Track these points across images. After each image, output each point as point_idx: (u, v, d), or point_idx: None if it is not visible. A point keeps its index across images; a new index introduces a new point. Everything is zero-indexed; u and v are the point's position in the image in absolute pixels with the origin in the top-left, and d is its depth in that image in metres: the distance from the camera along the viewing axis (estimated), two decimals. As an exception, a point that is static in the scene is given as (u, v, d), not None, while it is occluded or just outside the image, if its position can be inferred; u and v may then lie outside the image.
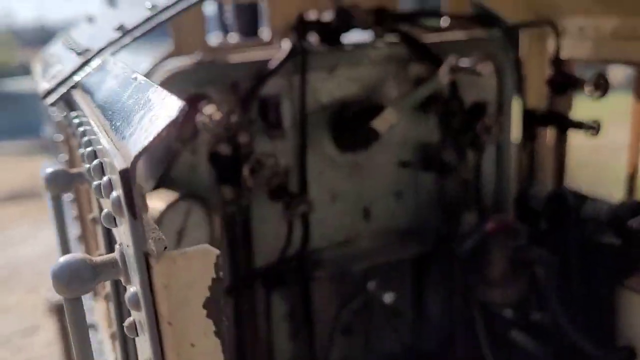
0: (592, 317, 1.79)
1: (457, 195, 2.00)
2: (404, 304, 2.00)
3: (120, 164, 0.50)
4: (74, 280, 0.56)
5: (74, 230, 1.64)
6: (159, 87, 0.58)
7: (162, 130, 0.48)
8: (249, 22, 2.07)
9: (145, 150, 0.49)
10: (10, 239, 6.49)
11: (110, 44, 1.01)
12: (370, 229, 1.94)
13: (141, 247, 0.51)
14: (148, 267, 0.52)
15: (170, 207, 1.47)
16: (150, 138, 0.49)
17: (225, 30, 2.37)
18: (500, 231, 1.77)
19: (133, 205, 0.49)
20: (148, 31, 1.02)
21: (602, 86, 1.72)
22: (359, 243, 1.93)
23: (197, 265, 0.53)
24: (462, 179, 1.91)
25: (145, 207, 0.53)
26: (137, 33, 1.01)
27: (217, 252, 0.55)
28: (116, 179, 0.52)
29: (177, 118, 0.49)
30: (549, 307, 1.69)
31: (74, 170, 0.89)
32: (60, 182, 0.88)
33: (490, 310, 1.87)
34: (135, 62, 1.81)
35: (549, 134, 2.12)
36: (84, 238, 1.59)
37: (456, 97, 1.89)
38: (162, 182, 1.59)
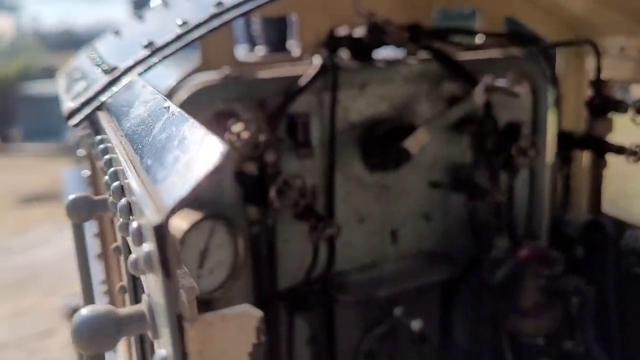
0: (630, 352, 1.70)
1: (489, 218, 1.92)
2: (431, 330, 1.93)
3: (153, 216, 0.44)
4: (96, 337, 0.51)
5: (94, 248, 1.59)
6: (195, 122, 0.52)
7: (202, 180, 0.43)
8: (277, 36, 2.02)
9: (182, 202, 0.43)
10: (31, 240, 6.52)
11: (139, 62, 0.96)
12: (398, 252, 1.87)
13: (174, 310, 0.45)
14: (181, 331, 0.46)
15: (193, 227, 1.42)
16: (188, 188, 0.43)
17: (252, 43, 2.32)
18: (534, 259, 1.70)
19: (167, 263, 0.44)
20: (178, 49, 0.97)
21: (646, 110, 1.64)
22: (386, 266, 1.86)
23: (236, 328, 0.47)
24: (495, 202, 1.83)
25: (179, 263, 0.47)
26: (167, 51, 0.96)
27: (259, 314, 0.49)
28: (148, 231, 0.46)
29: (219, 165, 0.43)
30: (584, 340, 1.61)
31: (98, 198, 0.84)
32: (82, 211, 0.83)
33: (520, 340, 1.79)
34: (163, 74, 1.76)
35: (585, 158, 2.04)
36: (104, 256, 1.54)
37: (490, 117, 1.82)
38: (185, 200, 1.53)
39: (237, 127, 1.40)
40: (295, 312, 1.75)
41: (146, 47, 0.99)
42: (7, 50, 16.20)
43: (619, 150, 1.74)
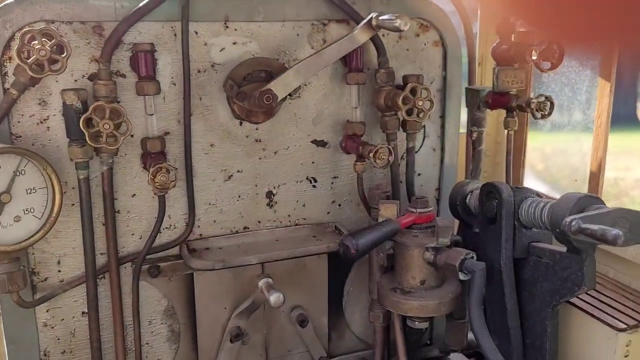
0: (528, 335, 1.44)
1: (383, 184, 1.68)
2: (315, 310, 1.68)
3: None
4: None
5: None
6: None
7: None
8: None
9: None
10: None
11: None
12: (275, 218, 1.63)
13: None
14: None
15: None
16: None
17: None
18: (419, 225, 1.45)
19: None
20: None
21: (552, 53, 1.40)
22: (261, 233, 1.62)
23: None
24: (390, 166, 1.58)
25: None
26: None
27: None
28: None
29: None
30: (471, 322, 1.36)
31: None
32: None
33: (409, 324, 1.54)
34: None
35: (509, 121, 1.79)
36: None
37: (384, 67, 1.58)
38: (-3, 136, 1.31)
39: (34, 42, 1.16)
40: (143, 280, 1.51)
41: None
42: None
43: (527, 104, 1.50)
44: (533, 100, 1.46)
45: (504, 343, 1.46)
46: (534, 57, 1.41)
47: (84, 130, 1.23)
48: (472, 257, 1.40)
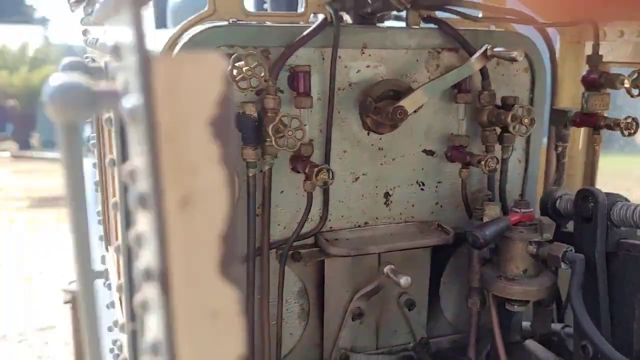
0: (616, 318, 1.70)
1: (482, 190, 1.95)
2: (418, 296, 1.94)
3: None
4: (71, 102, 0.55)
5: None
6: None
7: None
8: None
9: None
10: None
11: None
12: (390, 215, 1.91)
13: (142, 49, 0.50)
14: (149, 71, 0.50)
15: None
16: None
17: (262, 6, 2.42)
18: (523, 223, 1.72)
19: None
20: None
21: (640, 83, 1.68)
22: (378, 229, 1.89)
23: (205, 70, 0.51)
24: (488, 171, 1.86)
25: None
26: None
27: (226, 62, 0.53)
28: None
29: None
30: (573, 308, 1.62)
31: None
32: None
33: (507, 310, 1.80)
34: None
35: (582, 136, 2.07)
36: (100, 186, 1.59)
37: (487, 89, 1.86)
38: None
39: (240, 63, 1.45)
40: (286, 264, 1.78)
41: None
42: (32, 60, 16.69)
43: (615, 123, 1.78)
44: (622, 121, 1.74)
45: (594, 324, 1.72)
46: (626, 85, 1.69)
47: (272, 136, 1.51)
48: (572, 250, 1.68)
